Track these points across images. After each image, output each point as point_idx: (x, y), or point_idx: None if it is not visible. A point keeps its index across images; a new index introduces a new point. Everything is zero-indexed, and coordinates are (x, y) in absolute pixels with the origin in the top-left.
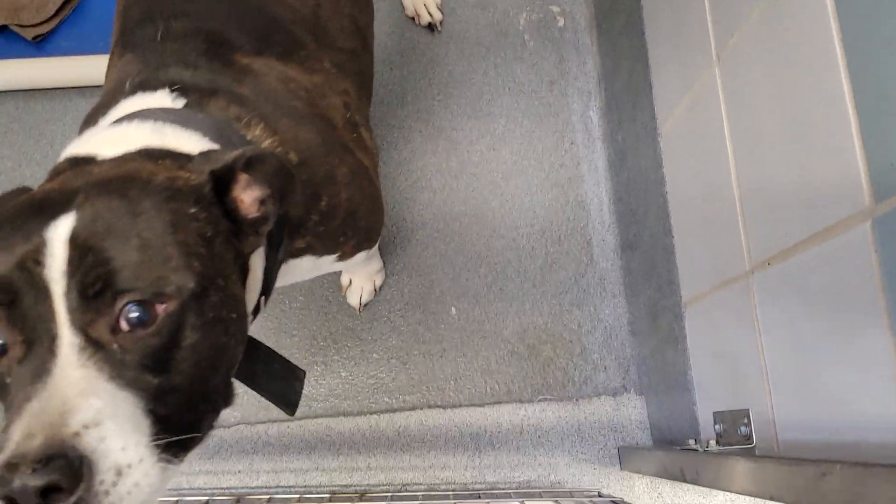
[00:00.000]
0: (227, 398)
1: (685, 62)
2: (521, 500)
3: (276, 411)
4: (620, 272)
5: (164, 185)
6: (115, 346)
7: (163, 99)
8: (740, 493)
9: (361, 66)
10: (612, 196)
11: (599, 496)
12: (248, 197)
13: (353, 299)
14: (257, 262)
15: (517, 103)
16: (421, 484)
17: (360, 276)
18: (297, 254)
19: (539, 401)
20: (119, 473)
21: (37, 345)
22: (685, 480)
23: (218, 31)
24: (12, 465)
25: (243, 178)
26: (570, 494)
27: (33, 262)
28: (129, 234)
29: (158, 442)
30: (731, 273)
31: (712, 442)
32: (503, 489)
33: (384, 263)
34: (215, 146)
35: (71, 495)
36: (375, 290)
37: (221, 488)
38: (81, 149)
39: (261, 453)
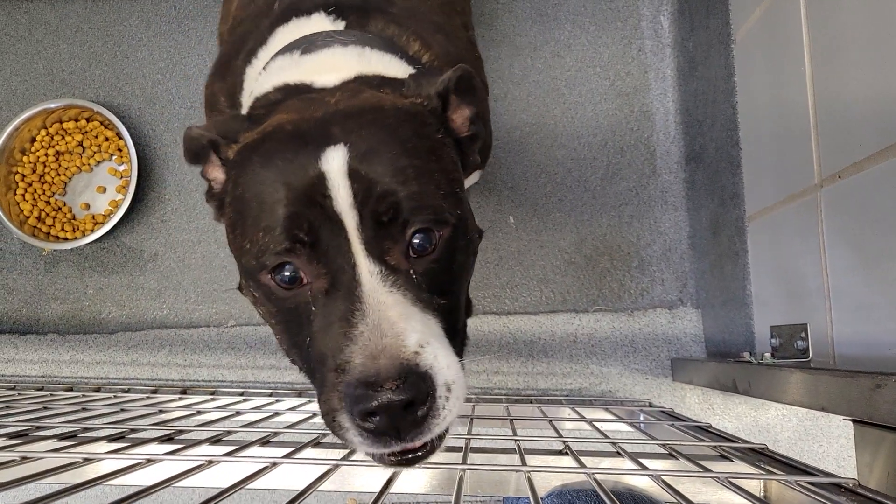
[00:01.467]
0: (469, 309)
1: None
2: (571, 407)
3: None
4: (683, 185)
5: (414, 112)
6: (410, 271)
7: (321, 22)
8: (793, 405)
9: None
10: (678, 106)
11: (650, 406)
12: (459, 117)
13: None
14: None
15: (584, 7)
16: (474, 387)
17: None
18: None
19: (594, 311)
20: (449, 388)
21: (339, 274)
22: (737, 391)
23: None
24: (372, 384)
25: (454, 99)
26: (621, 403)
27: (321, 196)
28: (403, 165)
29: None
30: (799, 187)
31: (767, 355)
32: (555, 396)
33: None
34: (411, 68)
35: (423, 407)
36: None
37: (284, 383)
38: (289, 77)
39: None
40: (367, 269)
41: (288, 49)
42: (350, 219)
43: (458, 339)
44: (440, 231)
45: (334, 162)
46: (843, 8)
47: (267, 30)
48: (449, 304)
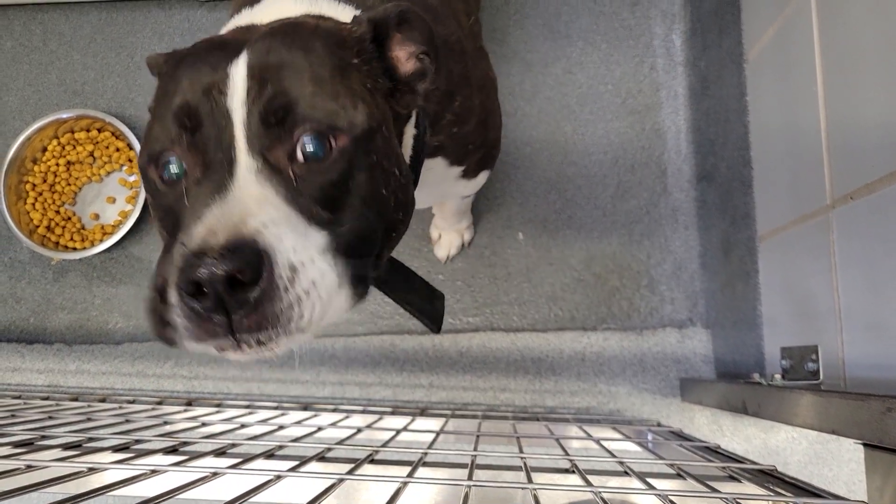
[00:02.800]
0: (378, 265)
1: None
2: (579, 425)
3: (342, 326)
4: (694, 204)
5: (331, 32)
6: (290, 172)
7: None
8: (803, 427)
9: None
10: (690, 125)
11: (659, 426)
12: (403, 53)
13: (441, 252)
14: (409, 139)
15: (596, 25)
16: (481, 404)
17: (449, 230)
18: (433, 153)
19: (603, 329)
20: (294, 270)
21: (215, 166)
22: (747, 413)
23: None
24: (199, 254)
25: (397, 36)
26: (629, 422)
27: (217, 92)
28: (302, 69)
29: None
30: (810, 207)
31: (777, 376)
32: (562, 414)
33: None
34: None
35: (253, 287)
36: (464, 244)
37: (290, 396)
38: (242, 21)
39: (327, 365)
40: (245, 164)
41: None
42: (239, 115)
43: (350, 271)
44: (335, 139)
45: (240, 66)
46: (855, 29)
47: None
48: (337, 225)
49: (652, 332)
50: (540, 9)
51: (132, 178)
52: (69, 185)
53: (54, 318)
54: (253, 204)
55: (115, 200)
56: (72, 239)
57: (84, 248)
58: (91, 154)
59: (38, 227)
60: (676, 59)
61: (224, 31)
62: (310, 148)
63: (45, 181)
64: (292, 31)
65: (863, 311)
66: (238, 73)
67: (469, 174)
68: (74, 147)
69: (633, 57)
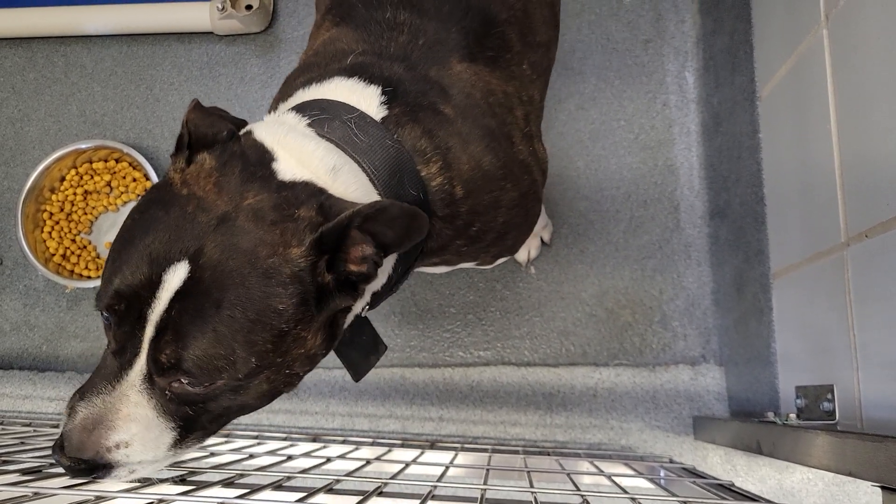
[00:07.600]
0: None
1: (791, 22)
2: (590, 460)
3: None
4: (707, 240)
5: (270, 272)
6: (167, 392)
7: (372, 97)
8: (818, 468)
9: (551, 59)
10: (703, 161)
11: (671, 462)
12: (357, 251)
13: (521, 256)
14: (383, 272)
15: (609, 62)
16: (491, 438)
17: None
18: (431, 265)
19: (615, 365)
20: (132, 472)
21: (124, 352)
22: (761, 453)
23: (441, 29)
24: (60, 447)
25: (356, 234)
26: (641, 459)
27: (145, 297)
28: (207, 328)
29: (177, 447)
30: (825, 245)
31: (792, 416)
32: (573, 449)
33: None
34: (375, 194)
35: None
36: (545, 242)
37: (299, 427)
38: (275, 135)
39: (337, 397)
40: (140, 366)
41: (312, 106)
42: (151, 328)
43: (205, 427)
44: (212, 384)
45: (174, 279)
46: (869, 66)
47: (330, 72)
48: (202, 411)
49: (664, 368)
50: None
51: None
52: (86, 214)
53: (67, 346)
54: (123, 415)
55: None
56: (87, 268)
57: (98, 277)
58: (108, 184)
59: (53, 255)
60: (689, 95)
61: (265, 127)
62: (187, 385)
63: (62, 210)
64: (233, 269)
65: (879, 349)
66: (171, 284)
67: (484, 264)
68: (92, 177)
69: (646, 93)
